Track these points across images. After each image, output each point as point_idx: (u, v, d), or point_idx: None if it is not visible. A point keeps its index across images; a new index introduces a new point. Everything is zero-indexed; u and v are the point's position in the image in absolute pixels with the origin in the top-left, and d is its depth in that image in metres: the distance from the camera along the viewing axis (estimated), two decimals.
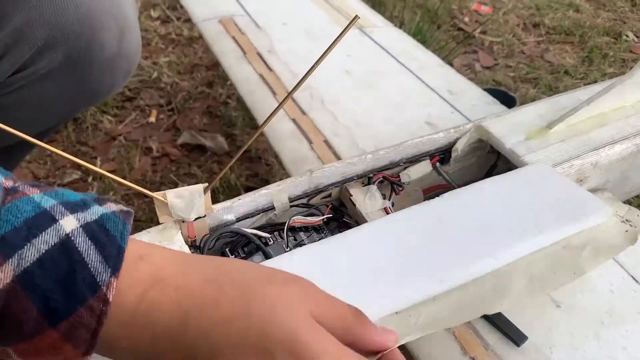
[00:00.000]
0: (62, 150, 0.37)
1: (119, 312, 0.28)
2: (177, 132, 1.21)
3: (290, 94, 0.39)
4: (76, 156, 1.20)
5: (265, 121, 0.41)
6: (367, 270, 0.41)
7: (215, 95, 1.31)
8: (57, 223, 0.27)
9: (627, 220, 0.49)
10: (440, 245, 0.43)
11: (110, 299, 0.27)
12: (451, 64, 1.37)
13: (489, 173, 0.65)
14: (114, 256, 0.27)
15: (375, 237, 0.44)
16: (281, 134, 0.63)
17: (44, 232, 0.26)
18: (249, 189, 1.04)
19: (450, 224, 0.45)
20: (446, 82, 0.75)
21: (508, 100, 0.83)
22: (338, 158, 0.60)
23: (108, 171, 1.11)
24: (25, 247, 0.26)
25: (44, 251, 0.26)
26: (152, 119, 1.25)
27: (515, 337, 0.44)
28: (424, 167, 0.58)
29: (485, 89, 0.79)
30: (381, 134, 0.64)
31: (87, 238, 0.27)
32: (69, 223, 0.27)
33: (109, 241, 0.28)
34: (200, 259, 0.32)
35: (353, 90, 0.72)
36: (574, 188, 0.49)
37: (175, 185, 1.08)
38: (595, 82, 1.39)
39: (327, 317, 0.30)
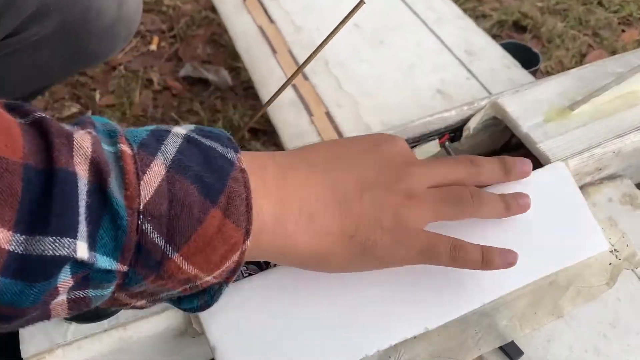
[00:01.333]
0: None
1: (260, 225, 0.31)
2: (179, 63, 1.16)
3: (290, 79, 0.40)
4: (75, 87, 1.15)
5: (269, 100, 0.41)
6: (353, 301, 0.39)
7: (219, 20, 1.23)
8: (172, 131, 0.30)
9: (615, 250, 0.46)
10: (431, 276, 0.41)
11: (245, 169, 0.30)
12: None
13: (504, 147, 0.61)
14: (229, 144, 0.31)
15: None
16: (281, 102, 0.58)
17: (168, 136, 0.30)
18: (254, 131, 1.01)
19: None
20: (464, 39, 0.68)
21: (531, 58, 0.76)
22: (339, 133, 0.56)
23: (107, 105, 1.08)
24: (162, 146, 0.29)
25: (178, 145, 0.29)
26: (154, 46, 1.19)
27: (510, 352, 0.42)
28: (431, 148, 0.54)
29: (506, 44, 0.73)
30: (388, 105, 0.59)
31: (202, 135, 0.31)
32: (181, 130, 0.31)
33: (218, 133, 0.32)
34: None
35: (361, 49, 0.66)
36: (583, 210, 0.46)
37: (177, 123, 1.05)
38: (630, 15, 1.29)
39: None
